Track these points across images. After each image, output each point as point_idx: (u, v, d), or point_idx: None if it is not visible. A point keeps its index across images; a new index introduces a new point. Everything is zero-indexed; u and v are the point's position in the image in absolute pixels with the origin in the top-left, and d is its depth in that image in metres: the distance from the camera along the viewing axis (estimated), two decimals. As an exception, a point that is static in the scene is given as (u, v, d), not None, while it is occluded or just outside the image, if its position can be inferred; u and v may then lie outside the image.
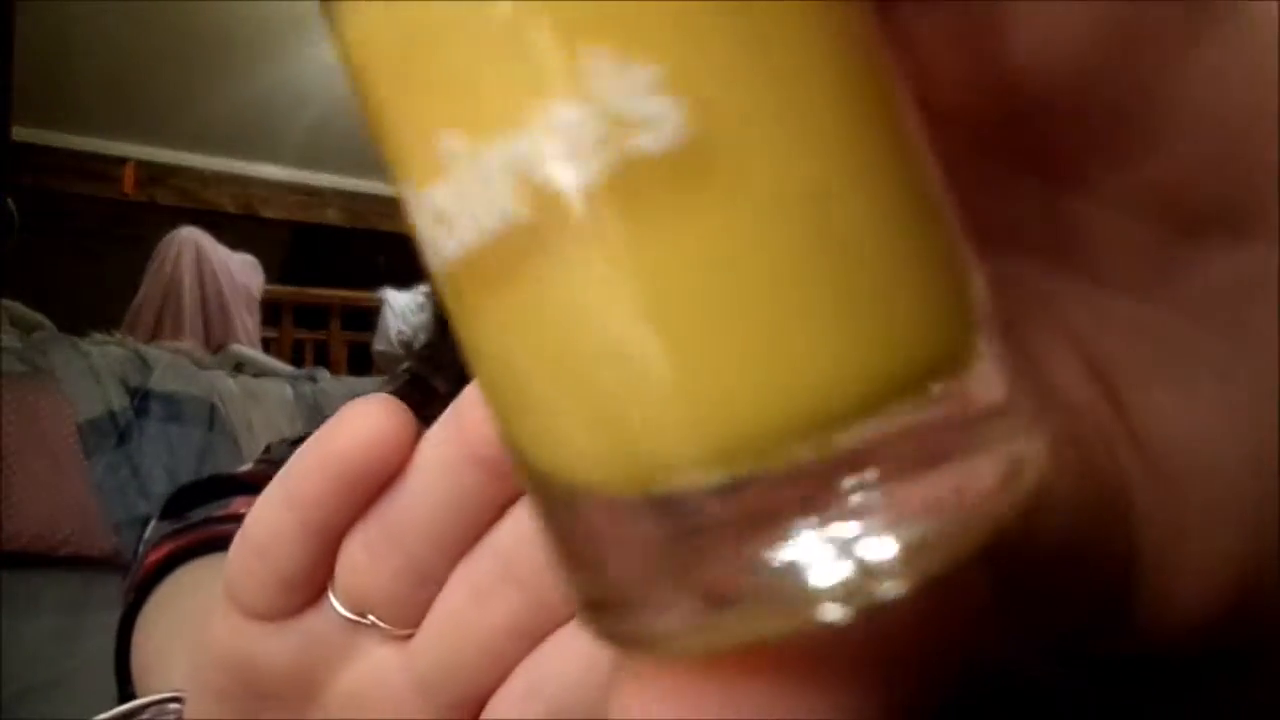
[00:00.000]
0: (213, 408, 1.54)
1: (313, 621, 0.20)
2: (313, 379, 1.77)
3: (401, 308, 2.55)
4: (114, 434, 1.45)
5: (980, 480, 0.11)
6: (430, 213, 0.11)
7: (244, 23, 2.67)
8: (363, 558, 0.19)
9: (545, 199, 0.10)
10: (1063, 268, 0.14)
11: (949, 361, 0.11)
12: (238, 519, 0.39)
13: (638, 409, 0.11)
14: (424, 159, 0.11)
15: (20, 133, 2.31)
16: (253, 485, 0.43)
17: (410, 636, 0.20)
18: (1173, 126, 0.13)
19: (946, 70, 0.13)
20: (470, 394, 0.18)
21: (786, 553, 0.10)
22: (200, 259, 2.47)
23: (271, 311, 2.68)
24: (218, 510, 0.41)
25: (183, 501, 0.44)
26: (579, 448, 0.11)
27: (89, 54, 2.69)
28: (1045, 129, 0.13)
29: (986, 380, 0.11)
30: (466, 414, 0.18)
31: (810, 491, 0.10)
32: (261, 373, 1.79)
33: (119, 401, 1.47)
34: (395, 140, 0.12)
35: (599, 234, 0.10)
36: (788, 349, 0.10)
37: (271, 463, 0.45)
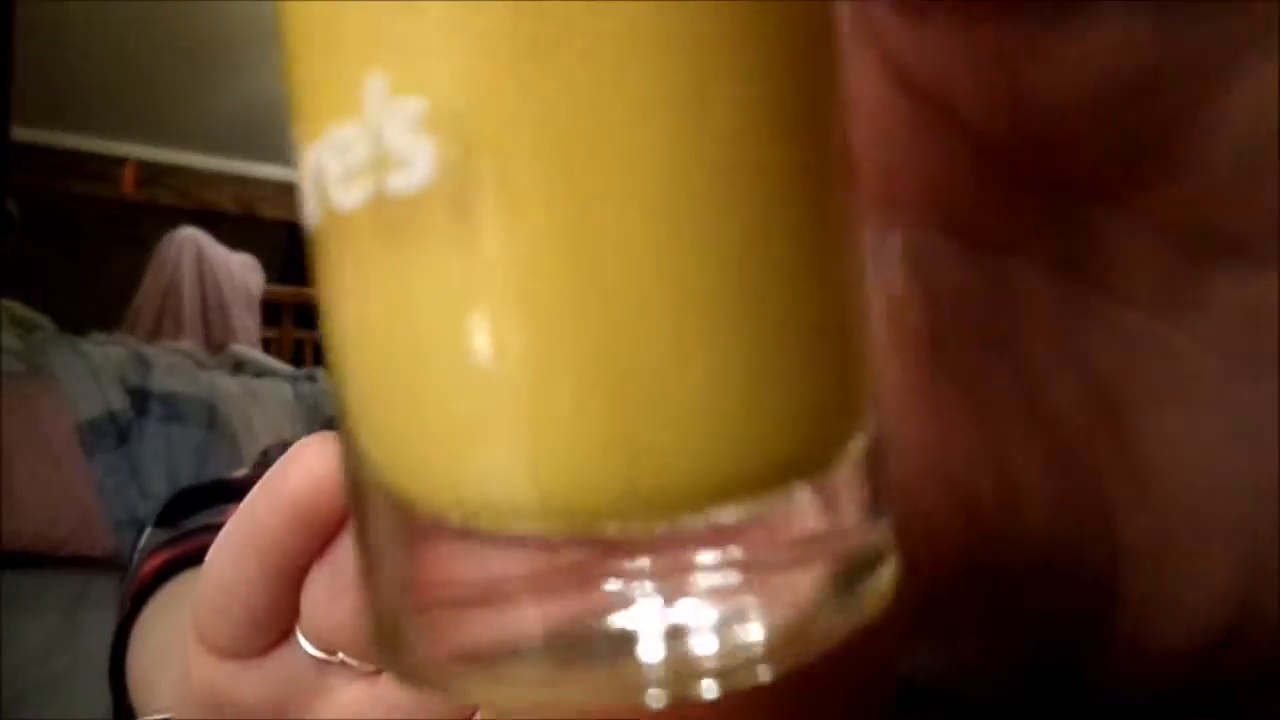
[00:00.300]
0: (213, 408, 1.54)
1: (285, 659, 0.20)
2: (313, 379, 1.77)
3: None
4: (114, 434, 1.45)
5: (818, 591, 0.10)
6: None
7: (244, 23, 2.67)
8: (323, 597, 0.19)
9: (326, 214, 0.11)
10: (1077, 279, 0.14)
11: (810, 462, 0.10)
12: None
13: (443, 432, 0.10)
14: (299, 120, 0.11)
15: (20, 133, 2.31)
16: (240, 492, 0.43)
17: (380, 672, 0.20)
18: (1205, 152, 0.12)
19: (976, 91, 0.13)
20: None
21: (619, 621, 0.10)
22: (200, 259, 2.47)
23: (271, 311, 2.68)
24: (214, 518, 0.41)
25: (178, 508, 0.43)
26: (413, 467, 0.11)
27: (89, 54, 2.69)
28: (1074, 144, 0.13)
29: (847, 487, 0.11)
30: None
31: (649, 564, 0.10)
32: (261, 373, 1.78)
33: (119, 401, 1.47)
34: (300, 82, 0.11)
35: (356, 261, 0.10)
36: (555, 413, 0.10)
37: (268, 467, 0.45)
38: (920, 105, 0.13)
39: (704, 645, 0.10)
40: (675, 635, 0.10)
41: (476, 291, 0.10)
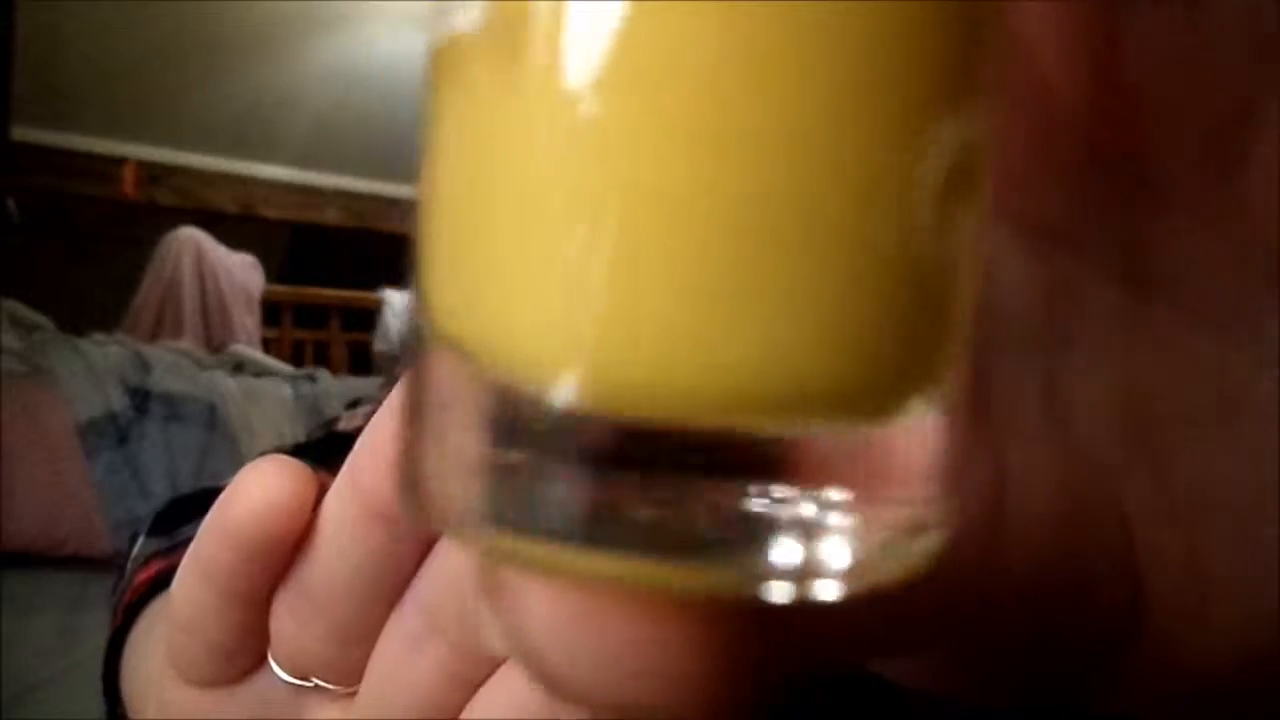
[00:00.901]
0: (213, 408, 1.54)
1: (260, 684, 0.20)
2: (313, 379, 1.77)
3: (401, 308, 2.54)
4: (114, 434, 1.45)
5: (881, 532, 0.10)
6: None
7: (244, 23, 2.67)
8: (289, 623, 0.19)
9: (443, 36, 0.11)
10: (1140, 288, 0.14)
11: (878, 400, 0.10)
12: None
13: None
14: None
15: (20, 133, 2.31)
16: None
17: (355, 693, 0.19)
18: (1271, 154, 0.12)
19: (1065, 59, 0.12)
20: (363, 447, 0.18)
21: (749, 509, 0.10)
22: (200, 259, 2.47)
23: (271, 311, 2.68)
24: None
25: (171, 517, 0.43)
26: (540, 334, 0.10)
27: (89, 54, 2.68)
28: (1154, 138, 0.13)
29: (916, 438, 0.11)
30: (362, 472, 0.18)
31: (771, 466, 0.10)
32: (261, 373, 1.78)
33: (119, 401, 1.47)
34: None
35: (466, 88, 0.10)
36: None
37: None
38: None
39: (786, 553, 0.10)
40: (759, 533, 0.10)
41: (582, 133, 0.09)
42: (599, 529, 0.10)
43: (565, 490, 0.10)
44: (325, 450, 0.44)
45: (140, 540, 0.42)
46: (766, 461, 0.10)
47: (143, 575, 0.38)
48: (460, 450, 0.10)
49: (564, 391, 0.10)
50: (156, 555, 0.39)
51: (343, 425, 0.46)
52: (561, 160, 0.09)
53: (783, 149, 0.09)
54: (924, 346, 0.11)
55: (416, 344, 0.11)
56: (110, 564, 1.36)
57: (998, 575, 0.13)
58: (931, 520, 0.11)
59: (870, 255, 0.10)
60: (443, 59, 0.10)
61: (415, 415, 0.11)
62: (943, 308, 0.11)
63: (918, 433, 0.11)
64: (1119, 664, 0.14)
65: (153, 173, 3.14)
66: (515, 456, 0.10)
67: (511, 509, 0.10)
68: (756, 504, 0.10)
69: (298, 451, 0.47)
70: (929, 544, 0.11)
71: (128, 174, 3.09)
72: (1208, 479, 0.13)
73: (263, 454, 0.52)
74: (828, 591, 0.10)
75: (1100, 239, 0.14)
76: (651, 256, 0.09)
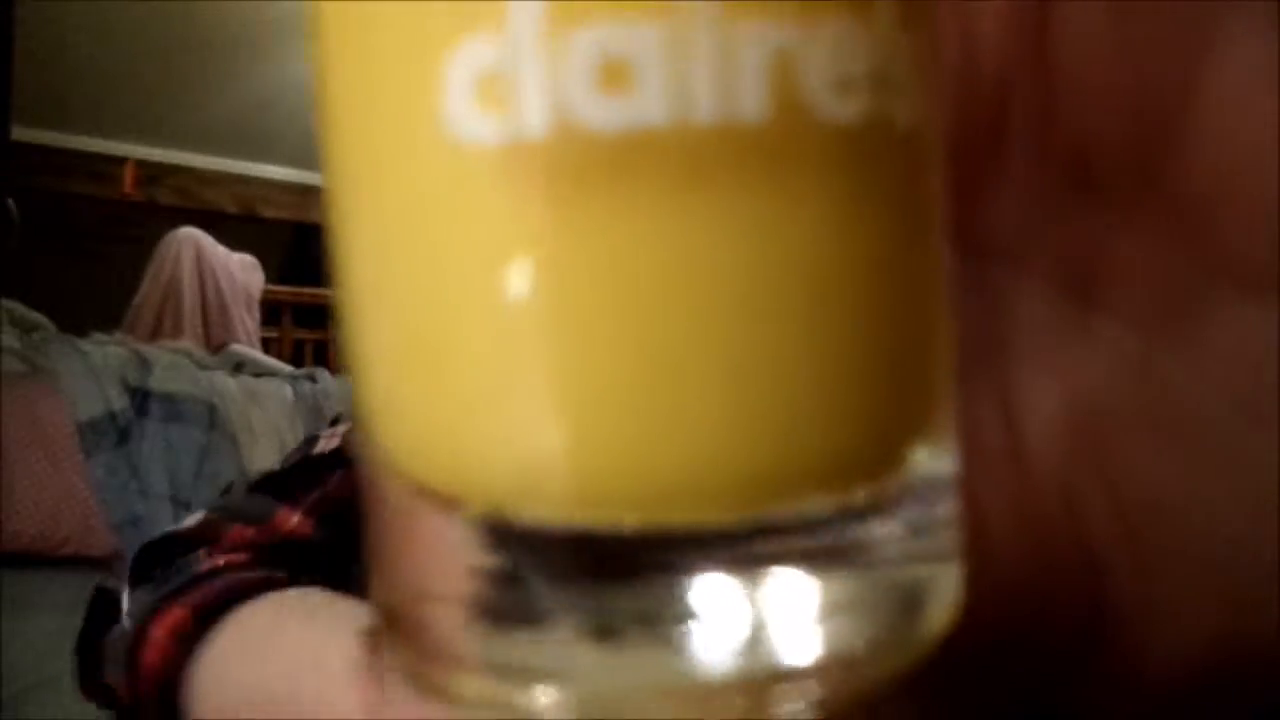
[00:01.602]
0: (213, 408, 1.54)
1: None
2: (312, 379, 1.77)
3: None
4: (114, 434, 1.45)
5: (873, 615, 0.10)
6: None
7: (244, 23, 2.67)
8: None
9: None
10: (1077, 294, 0.13)
11: (882, 464, 0.10)
12: (222, 571, 0.38)
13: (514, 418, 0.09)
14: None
15: (20, 133, 2.31)
16: (205, 540, 0.42)
17: None
18: (1203, 143, 0.12)
19: (993, 46, 0.12)
20: None
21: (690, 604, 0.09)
22: (200, 259, 2.47)
23: (271, 311, 2.68)
24: (195, 568, 0.40)
25: (146, 565, 0.42)
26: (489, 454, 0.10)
27: (89, 54, 2.69)
28: (1082, 137, 0.13)
29: (908, 501, 0.10)
30: None
31: (729, 560, 0.09)
32: (261, 373, 1.78)
33: (119, 401, 1.47)
34: None
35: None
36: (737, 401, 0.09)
37: (226, 511, 0.44)
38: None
39: (735, 658, 0.09)
40: (711, 632, 0.09)
41: (523, 248, 0.09)
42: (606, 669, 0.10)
43: (564, 624, 0.09)
44: (302, 476, 0.44)
45: (126, 595, 0.41)
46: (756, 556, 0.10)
47: (168, 624, 0.37)
48: (445, 597, 0.10)
49: (545, 508, 0.10)
50: (169, 599, 0.38)
51: (321, 446, 0.46)
52: (519, 289, 0.09)
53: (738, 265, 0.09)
54: (909, 398, 0.11)
55: (373, 485, 0.11)
56: (110, 564, 1.36)
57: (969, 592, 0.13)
58: (934, 578, 0.11)
59: (832, 334, 0.10)
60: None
61: (379, 558, 0.11)
62: (920, 360, 0.11)
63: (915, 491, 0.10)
64: (1080, 679, 0.14)
65: (153, 173, 3.14)
66: (505, 595, 0.10)
67: (508, 654, 0.10)
68: (754, 596, 0.10)
69: (276, 479, 0.47)
70: (940, 607, 0.10)
71: (128, 174, 3.09)
72: (1154, 488, 0.13)
73: (225, 489, 0.50)
74: (842, 689, 0.10)
75: (1036, 250, 0.13)
76: (615, 370, 0.09)
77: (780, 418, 0.10)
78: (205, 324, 2.42)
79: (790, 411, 0.10)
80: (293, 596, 0.37)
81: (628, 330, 0.09)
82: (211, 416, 1.54)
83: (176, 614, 0.37)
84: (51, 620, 1.36)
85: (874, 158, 0.10)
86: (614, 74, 0.09)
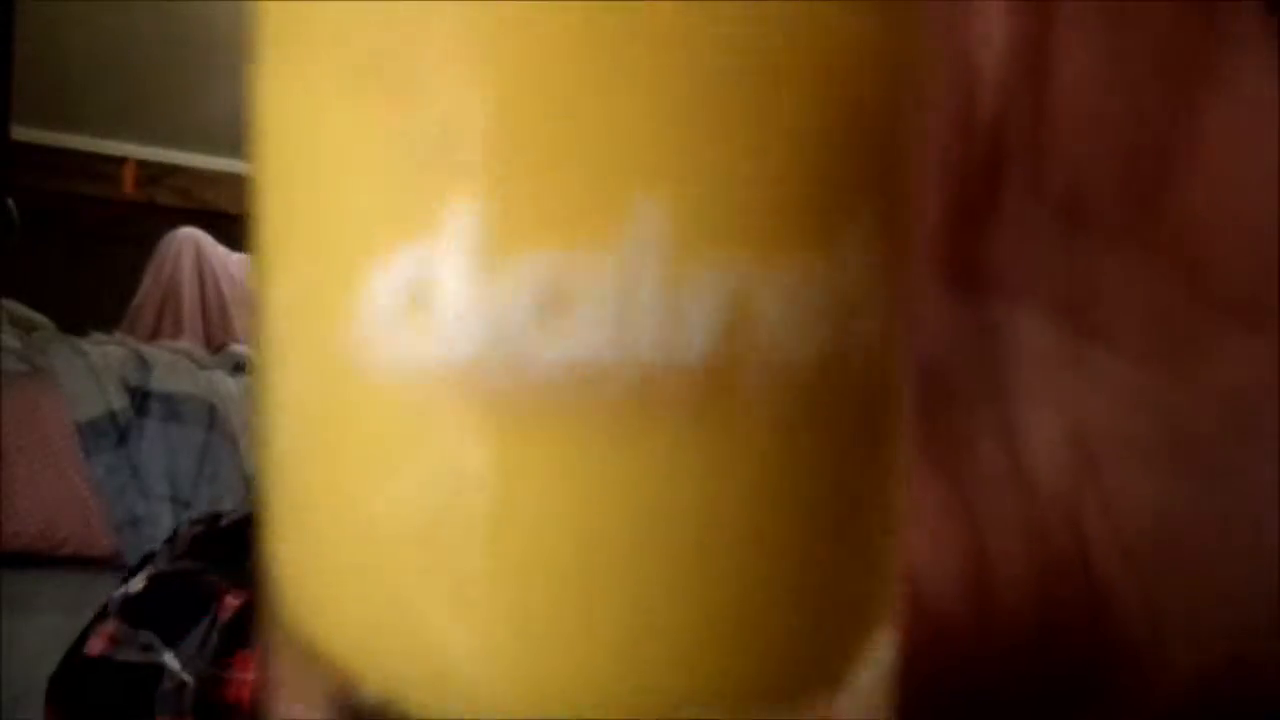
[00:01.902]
0: (213, 408, 1.54)
1: None
2: (313, 379, 1.77)
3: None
4: (114, 434, 1.45)
5: None
6: None
7: (244, 23, 2.67)
8: None
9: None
10: (1070, 323, 0.14)
11: (811, 680, 0.10)
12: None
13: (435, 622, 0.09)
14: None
15: (20, 133, 2.31)
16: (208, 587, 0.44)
17: None
18: (1199, 179, 0.12)
19: (991, 80, 0.12)
20: None
21: None
22: (200, 259, 2.47)
23: (271, 311, 2.67)
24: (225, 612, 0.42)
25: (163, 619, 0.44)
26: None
27: (89, 54, 2.68)
28: (1078, 171, 0.13)
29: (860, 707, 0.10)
30: None
31: None
32: (261, 373, 1.78)
33: (119, 401, 1.47)
34: None
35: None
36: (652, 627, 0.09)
37: (178, 543, 0.45)
38: (935, 126, 0.13)
39: None
40: None
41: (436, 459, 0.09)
42: None
43: None
44: (207, 547, 0.45)
45: (169, 655, 0.43)
46: None
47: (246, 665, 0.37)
48: None
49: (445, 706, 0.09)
50: (230, 651, 0.40)
51: (226, 521, 0.47)
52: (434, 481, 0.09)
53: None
54: (846, 626, 0.10)
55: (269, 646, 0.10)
56: (110, 564, 1.36)
57: (981, 629, 0.13)
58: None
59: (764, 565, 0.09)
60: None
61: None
62: (861, 590, 0.10)
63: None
64: (1088, 706, 0.14)
65: (153, 173, 3.13)
66: None
67: None
68: None
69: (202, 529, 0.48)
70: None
71: (128, 174, 3.09)
72: (1155, 515, 0.13)
73: (172, 534, 0.51)
74: None
75: (1033, 283, 0.14)
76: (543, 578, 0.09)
77: (696, 646, 0.09)
78: (205, 324, 2.42)
79: (707, 641, 0.09)
80: None
81: (553, 555, 0.09)
82: (211, 416, 1.54)
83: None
84: (51, 620, 1.36)
85: (828, 395, 0.09)
86: (556, 303, 0.08)
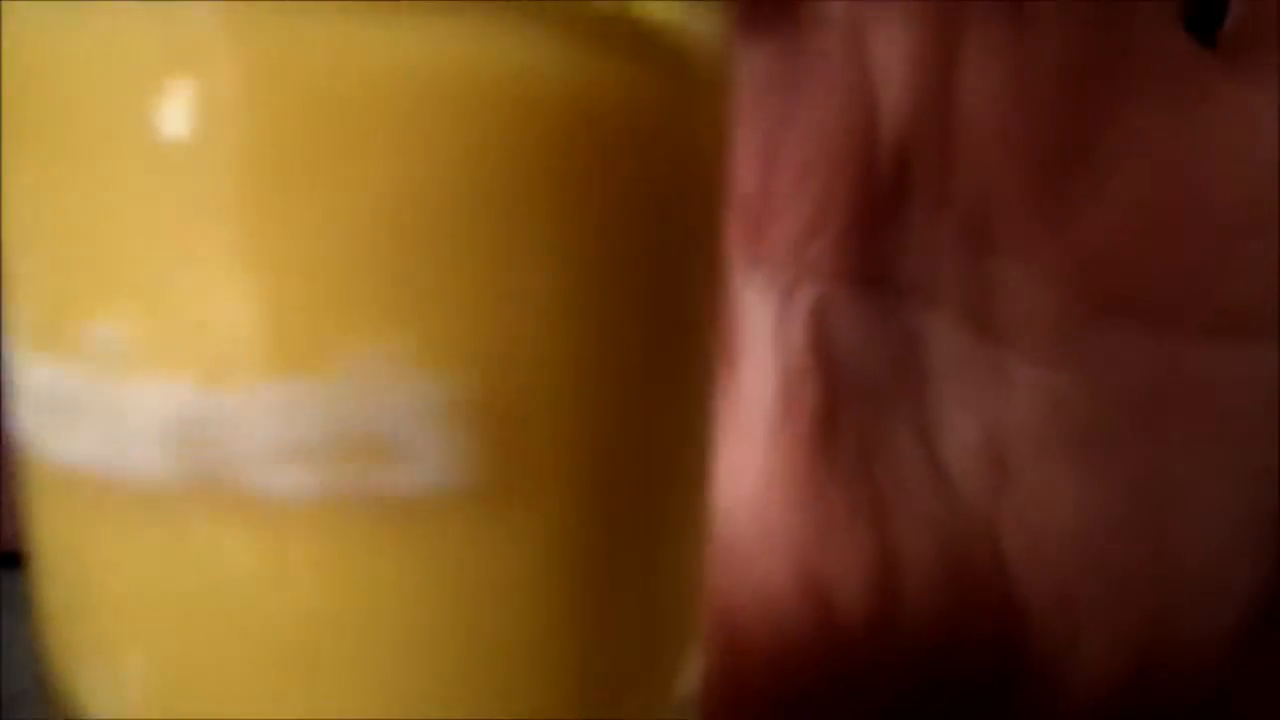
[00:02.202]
0: (213, 408, 1.54)
1: None
2: (313, 379, 1.77)
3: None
4: (114, 434, 1.45)
5: None
6: None
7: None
8: None
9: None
10: (981, 328, 0.14)
11: None
12: None
13: None
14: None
15: (20, 133, 2.30)
16: None
17: None
18: (1098, 200, 0.13)
19: (898, 90, 0.13)
20: None
21: None
22: (200, 259, 2.48)
23: (271, 311, 2.68)
24: None
25: None
26: None
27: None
28: (983, 185, 0.13)
29: None
30: None
31: None
32: (261, 373, 1.78)
33: (119, 402, 1.47)
34: None
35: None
36: None
37: None
38: (838, 139, 0.13)
39: None
40: None
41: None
42: None
43: None
44: None
45: None
46: None
47: None
48: None
49: None
50: None
51: None
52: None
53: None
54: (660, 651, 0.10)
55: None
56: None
57: (889, 632, 0.14)
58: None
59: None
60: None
61: None
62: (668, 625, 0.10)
63: None
64: (998, 710, 0.14)
65: (153, 173, 3.14)
66: None
67: None
68: None
69: None
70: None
71: (128, 174, 3.10)
72: (1070, 519, 0.14)
73: None
74: None
75: (943, 289, 0.14)
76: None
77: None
78: (205, 324, 2.42)
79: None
80: None
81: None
82: (211, 416, 1.54)
83: None
84: (51, 620, 1.36)
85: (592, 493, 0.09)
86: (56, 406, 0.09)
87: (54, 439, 0.09)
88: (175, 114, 0.08)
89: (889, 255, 0.14)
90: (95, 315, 0.08)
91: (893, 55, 0.13)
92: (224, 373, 0.08)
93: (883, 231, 0.14)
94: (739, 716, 0.13)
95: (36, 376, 0.09)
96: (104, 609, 0.10)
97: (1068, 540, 0.14)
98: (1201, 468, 0.13)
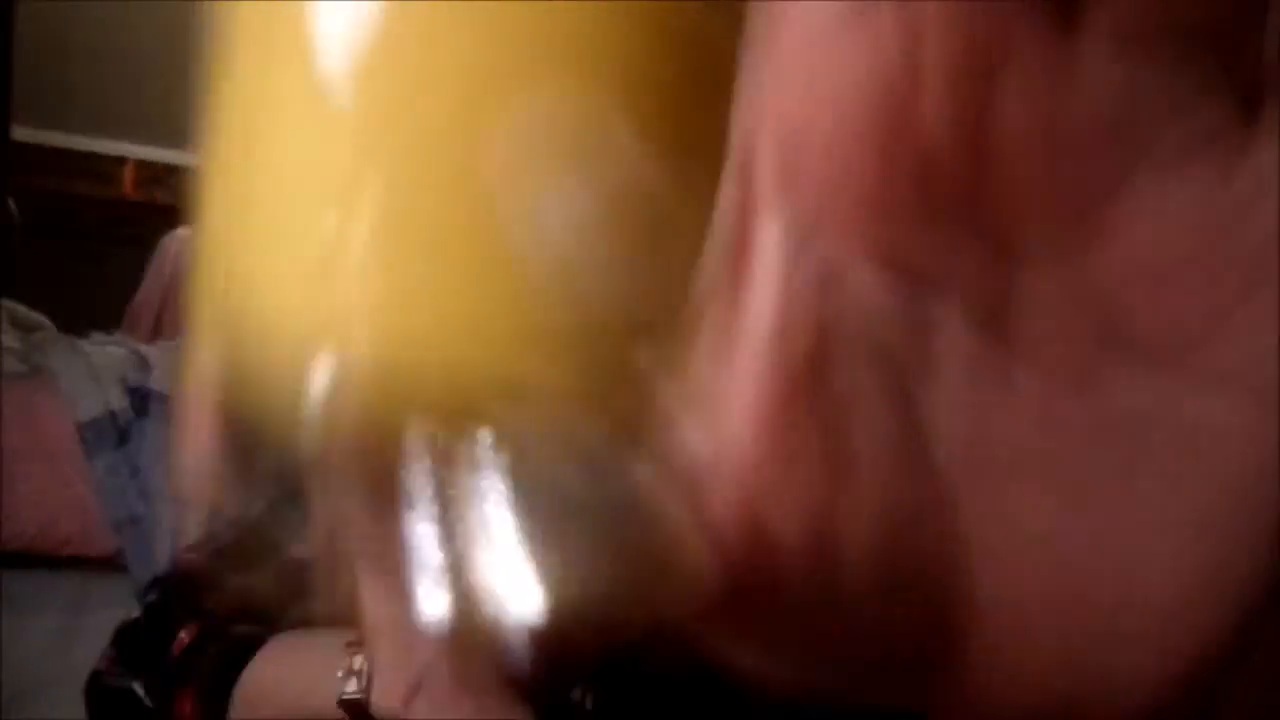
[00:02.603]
0: (213, 408, 1.54)
1: None
2: (313, 379, 1.77)
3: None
4: (114, 434, 1.45)
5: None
6: None
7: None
8: None
9: None
10: (990, 332, 0.14)
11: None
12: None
13: None
14: None
15: (20, 133, 2.31)
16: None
17: None
18: (1121, 234, 0.13)
19: (939, 80, 0.13)
20: None
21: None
22: (200, 259, 2.47)
23: (271, 311, 2.68)
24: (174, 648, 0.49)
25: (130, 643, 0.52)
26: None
27: (89, 54, 2.69)
28: (1013, 195, 0.13)
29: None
30: None
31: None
32: (261, 373, 1.78)
33: (119, 401, 1.47)
34: None
35: None
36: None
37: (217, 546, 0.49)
38: (878, 116, 0.13)
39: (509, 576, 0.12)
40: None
41: None
42: None
43: None
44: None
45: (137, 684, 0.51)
46: None
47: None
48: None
49: (325, 372, 0.11)
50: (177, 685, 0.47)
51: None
52: (321, 147, 0.11)
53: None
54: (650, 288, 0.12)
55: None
56: (110, 564, 1.37)
57: (825, 594, 0.14)
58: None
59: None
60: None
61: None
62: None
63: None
64: (936, 676, 0.15)
65: (153, 173, 3.14)
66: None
67: None
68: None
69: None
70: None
71: (128, 174, 3.09)
72: (1035, 526, 0.14)
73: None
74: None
75: (965, 288, 0.14)
76: (414, 235, 0.12)
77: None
78: (205, 324, 2.42)
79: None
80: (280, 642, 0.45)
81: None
82: (211, 416, 1.54)
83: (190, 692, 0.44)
84: (51, 620, 1.36)
85: None
86: None
87: None
88: None
89: (911, 239, 0.14)
90: None
91: (939, 51, 0.13)
92: None
93: (907, 213, 0.14)
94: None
95: None
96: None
97: (1033, 553, 0.14)
98: (1177, 514, 0.13)
